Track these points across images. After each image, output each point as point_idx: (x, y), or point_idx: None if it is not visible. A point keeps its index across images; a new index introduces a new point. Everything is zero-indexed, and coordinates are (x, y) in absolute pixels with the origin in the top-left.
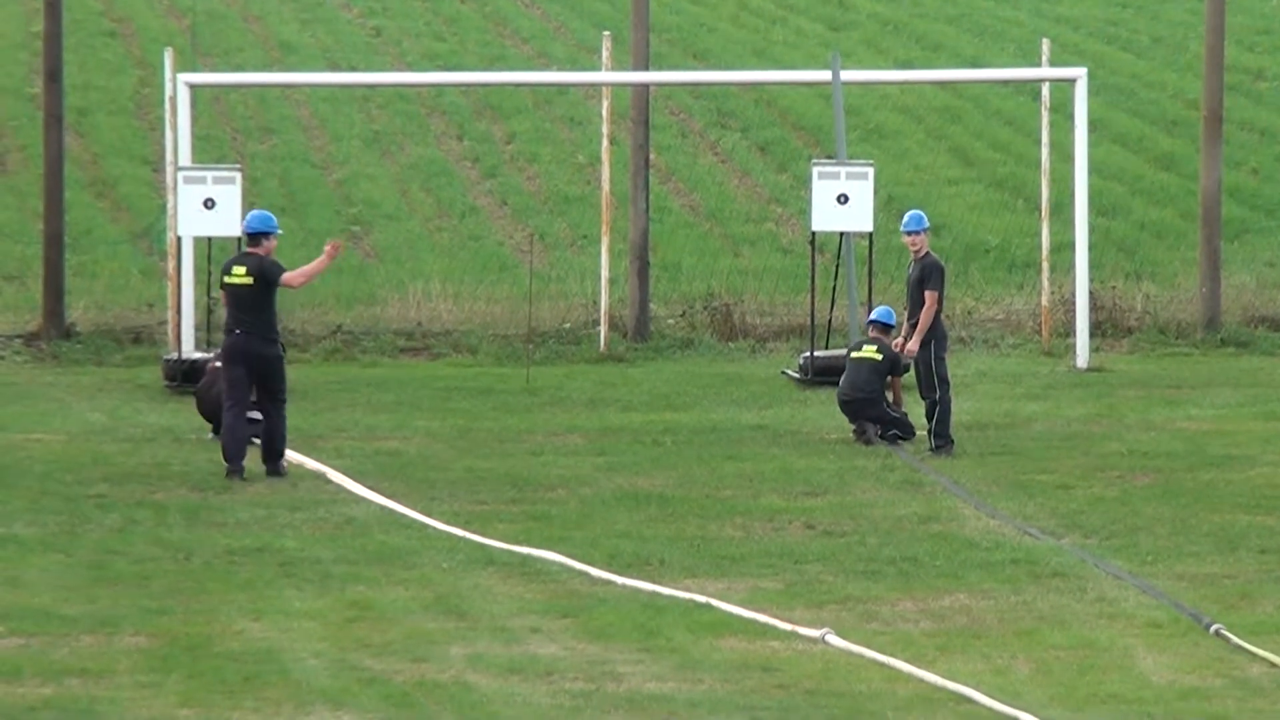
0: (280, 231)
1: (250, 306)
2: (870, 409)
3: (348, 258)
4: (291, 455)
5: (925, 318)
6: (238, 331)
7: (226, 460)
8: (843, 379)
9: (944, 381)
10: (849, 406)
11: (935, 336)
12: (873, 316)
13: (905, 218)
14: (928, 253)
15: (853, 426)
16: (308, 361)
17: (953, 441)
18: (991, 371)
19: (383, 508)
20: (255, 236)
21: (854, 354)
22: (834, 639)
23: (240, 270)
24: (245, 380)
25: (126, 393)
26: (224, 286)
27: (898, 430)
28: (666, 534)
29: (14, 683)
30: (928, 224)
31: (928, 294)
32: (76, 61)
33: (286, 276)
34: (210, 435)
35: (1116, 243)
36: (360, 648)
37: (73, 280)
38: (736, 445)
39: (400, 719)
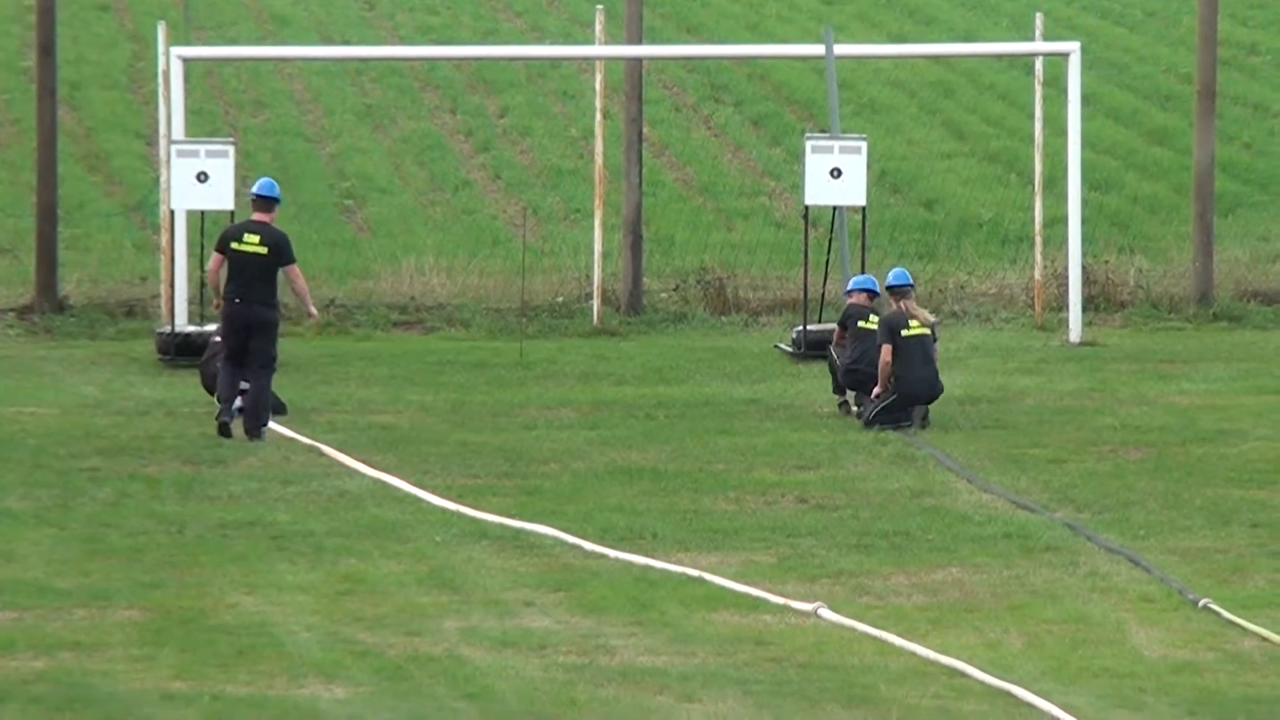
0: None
1: (258, 276)
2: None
3: (341, 231)
4: (286, 432)
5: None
6: (237, 301)
7: (219, 400)
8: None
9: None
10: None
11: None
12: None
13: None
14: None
15: (840, 399)
16: (300, 335)
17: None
18: (984, 345)
19: (376, 481)
20: (270, 201)
21: (904, 332)
22: (826, 613)
23: (254, 239)
24: (245, 347)
25: (119, 366)
26: (232, 252)
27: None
28: (659, 508)
29: (7, 656)
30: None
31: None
32: (69, 35)
33: (295, 271)
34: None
35: (1109, 217)
36: (353, 621)
37: (65, 253)
38: (729, 419)
39: (393, 692)
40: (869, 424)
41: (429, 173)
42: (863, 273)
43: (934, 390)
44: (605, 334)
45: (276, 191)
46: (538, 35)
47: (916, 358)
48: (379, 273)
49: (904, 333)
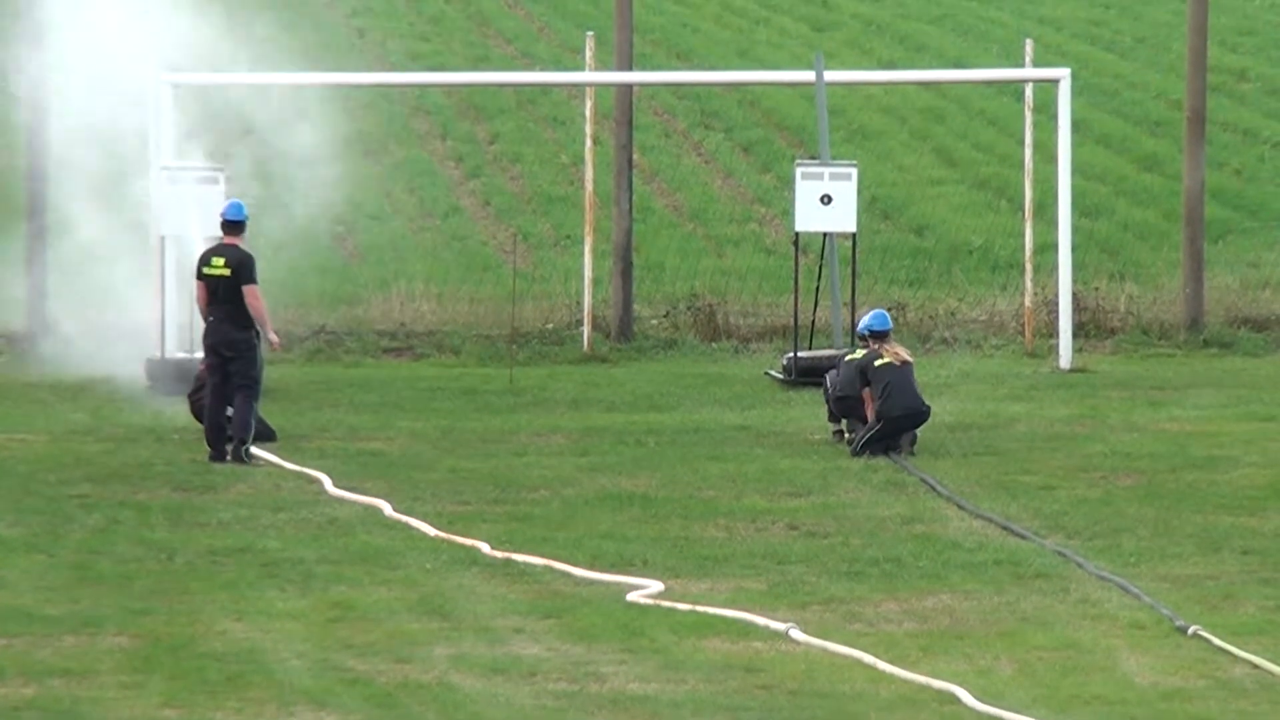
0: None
1: (225, 297)
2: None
3: (331, 258)
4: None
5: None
6: (212, 319)
7: (209, 445)
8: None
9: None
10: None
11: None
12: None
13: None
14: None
15: (834, 427)
16: (291, 362)
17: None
18: (975, 372)
19: (366, 507)
20: (235, 225)
21: (876, 363)
22: (798, 634)
23: (220, 261)
24: (225, 370)
25: (109, 392)
26: (202, 277)
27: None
28: (650, 534)
29: None
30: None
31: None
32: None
33: (253, 291)
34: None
35: (1099, 243)
36: (343, 648)
37: (54, 279)
38: (720, 446)
39: (383, 719)
40: (857, 453)
41: (419, 199)
42: (854, 301)
43: (918, 413)
44: (596, 360)
45: (243, 214)
46: (528, 62)
47: (892, 385)
48: (369, 299)
49: (876, 363)
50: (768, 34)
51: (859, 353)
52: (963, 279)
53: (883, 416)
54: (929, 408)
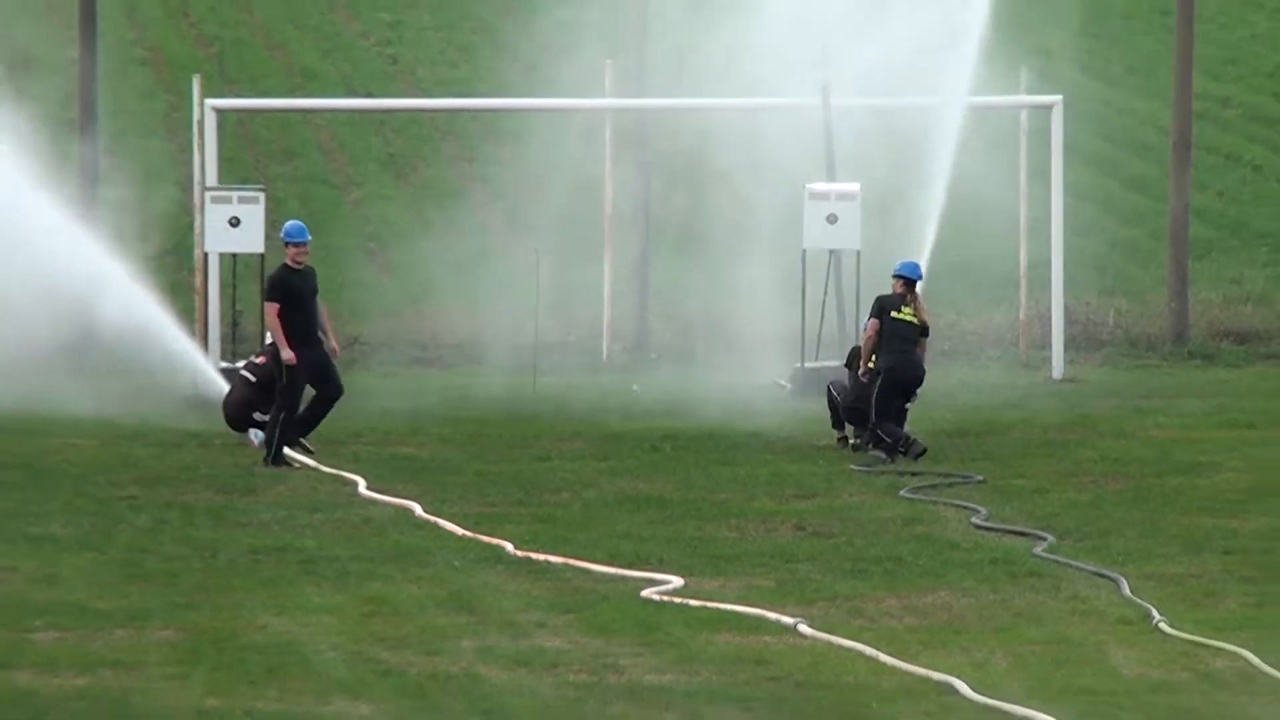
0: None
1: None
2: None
3: (364, 273)
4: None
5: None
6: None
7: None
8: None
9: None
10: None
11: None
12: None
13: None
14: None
15: (839, 433)
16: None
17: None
18: (972, 382)
19: (399, 508)
20: (285, 245)
21: (893, 314)
22: (805, 628)
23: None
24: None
25: (156, 399)
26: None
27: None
28: (665, 535)
29: (50, 674)
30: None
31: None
32: (110, 87)
33: (267, 309)
34: (258, 440)
35: (1090, 260)
36: (376, 641)
37: None
38: (731, 451)
39: (414, 709)
40: (865, 444)
41: (448, 218)
42: (859, 314)
43: (916, 370)
44: (614, 369)
45: (284, 234)
46: (552, 88)
47: (897, 339)
48: (400, 312)
49: (894, 314)
50: (774, 67)
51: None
52: (961, 294)
53: (882, 365)
54: (924, 373)
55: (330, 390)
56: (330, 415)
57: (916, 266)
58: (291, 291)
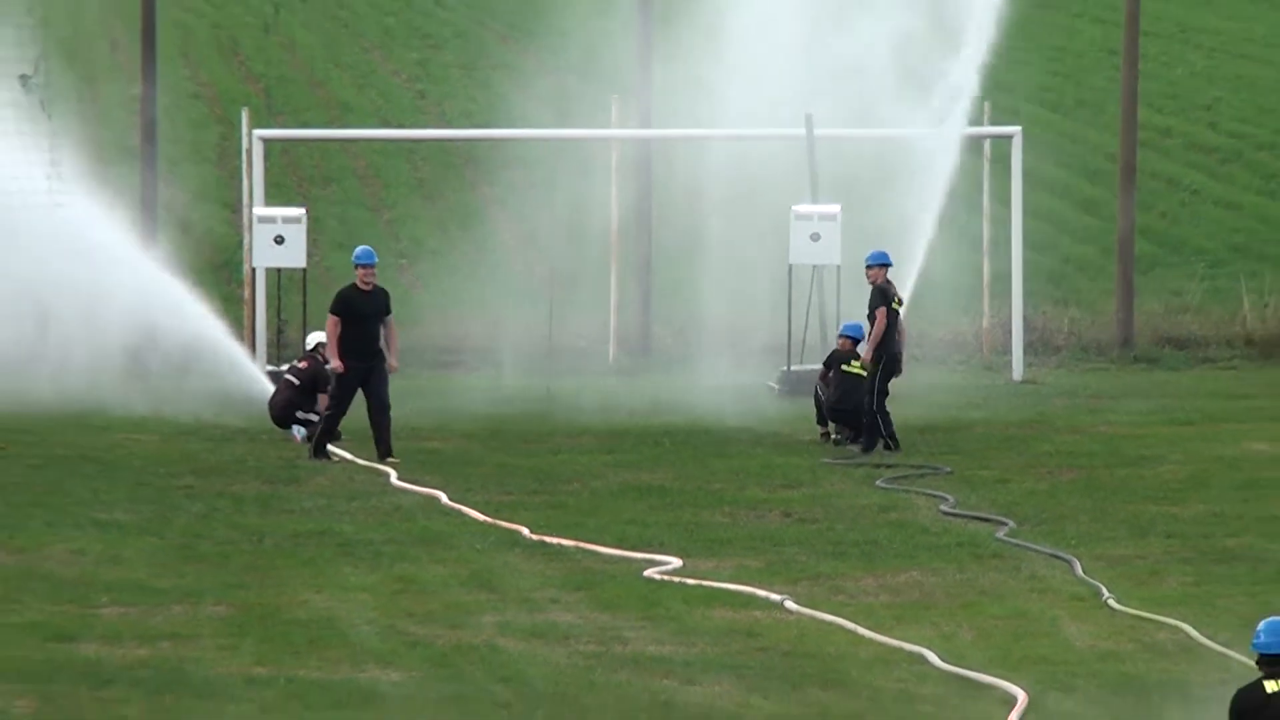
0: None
1: None
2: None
3: (395, 286)
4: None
5: (873, 335)
6: None
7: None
8: (836, 389)
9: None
10: (840, 414)
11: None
12: (848, 331)
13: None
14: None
15: (821, 429)
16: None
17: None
18: (940, 384)
19: (426, 497)
20: (355, 266)
21: (844, 367)
22: (791, 604)
23: None
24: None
25: (209, 399)
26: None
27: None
28: (665, 520)
29: (115, 645)
30: (888, 259)
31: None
32: (168, 119)
33: (329, 320)
34: (300, 435)
35: (1046, 274)
36: (405, 616)
37: None
38: (725, 445)
39: (439, 676)
40: (845, 440)
41: (470, 236)
42: (838, 323)
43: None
44: (620, 373)
45: (354, 257)
46: (564, 119)
47: (894, 328)
48: (427, 321)
49: (894, 305)
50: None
51: (857, 363)
52: (931, 305)
53: (889, 351)
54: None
55: (372, 402)
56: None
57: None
58: (353, 309)
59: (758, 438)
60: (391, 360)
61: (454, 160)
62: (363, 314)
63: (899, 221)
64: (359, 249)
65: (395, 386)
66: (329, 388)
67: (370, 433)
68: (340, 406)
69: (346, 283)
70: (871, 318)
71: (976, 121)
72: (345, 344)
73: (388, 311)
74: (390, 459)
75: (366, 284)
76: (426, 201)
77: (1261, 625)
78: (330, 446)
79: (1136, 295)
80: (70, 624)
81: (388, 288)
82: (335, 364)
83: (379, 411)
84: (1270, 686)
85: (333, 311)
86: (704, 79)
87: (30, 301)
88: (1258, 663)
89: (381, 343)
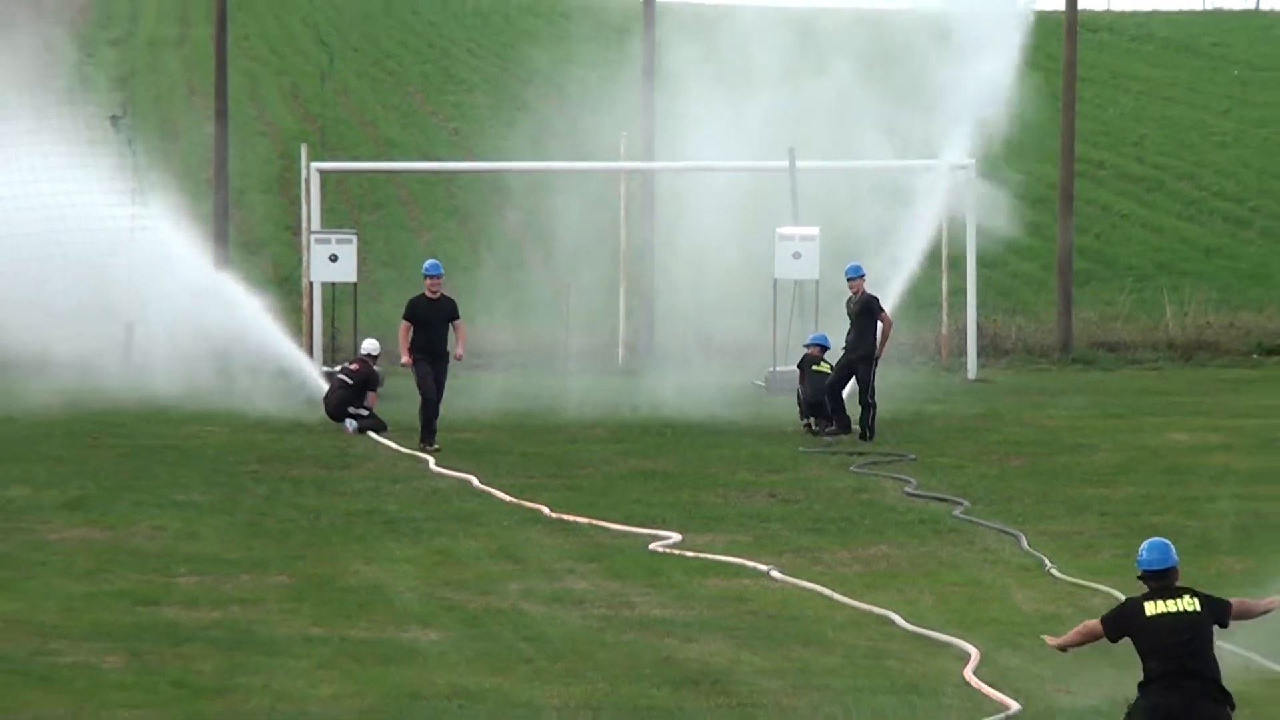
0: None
1: None
2: (824, 409)
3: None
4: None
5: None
6: None
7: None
8: (808, 386)
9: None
10: (816, 407)
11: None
12: (817, 340)
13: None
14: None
15: (803, 421)
16: (404, 375)
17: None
18: (905, 382)
19: (460, 480)
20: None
21: (814, 368)
22: (776, 574)
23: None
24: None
25: (271, 395)
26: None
27: (838, 426)
28: (667, 500)
29: (192, 609)
30: (864, 271)
31: (883, 321)
32: (238, 154)
33: (402, 327)
34: (351, 428)
35: (996, 288)
36: (442, 584)
37: None
38: (718, 436)
39: (472, 635)
40: (823, 429)
41: (498, 255)
42: (816, 330)
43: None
44: (627, 373)
45: (423, 269)
46: (580, 153)
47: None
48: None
49: (814, 368)
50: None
51: (825, 364)
52: (896, 315)
53: (875, 353)
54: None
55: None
56: (407, 409)
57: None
58: (419, 315)
59: (746, 429)
60: (459, 349)
61: (484, 189)
62: (428, 319)
63: (881, 242)
64: (428, 262)
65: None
66: (379, 388)
67: (418, 424)
68: (425, 393)
69: (415, 292)
70: (856, 321)
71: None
72: (415, 345)
73: (455, 316)
74: (430, 447)
75: (434, 293)
76: (460, 225)
77: (1144, 545)
78: (375, 436)
79: (1074, 305)
80: (153, 591)
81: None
82: (405, 359)
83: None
84: (1149, 609)
85: (404, 318)
86: (700, 118)
87: (118, 313)
88: (1140, 578)
89: (450, 343)
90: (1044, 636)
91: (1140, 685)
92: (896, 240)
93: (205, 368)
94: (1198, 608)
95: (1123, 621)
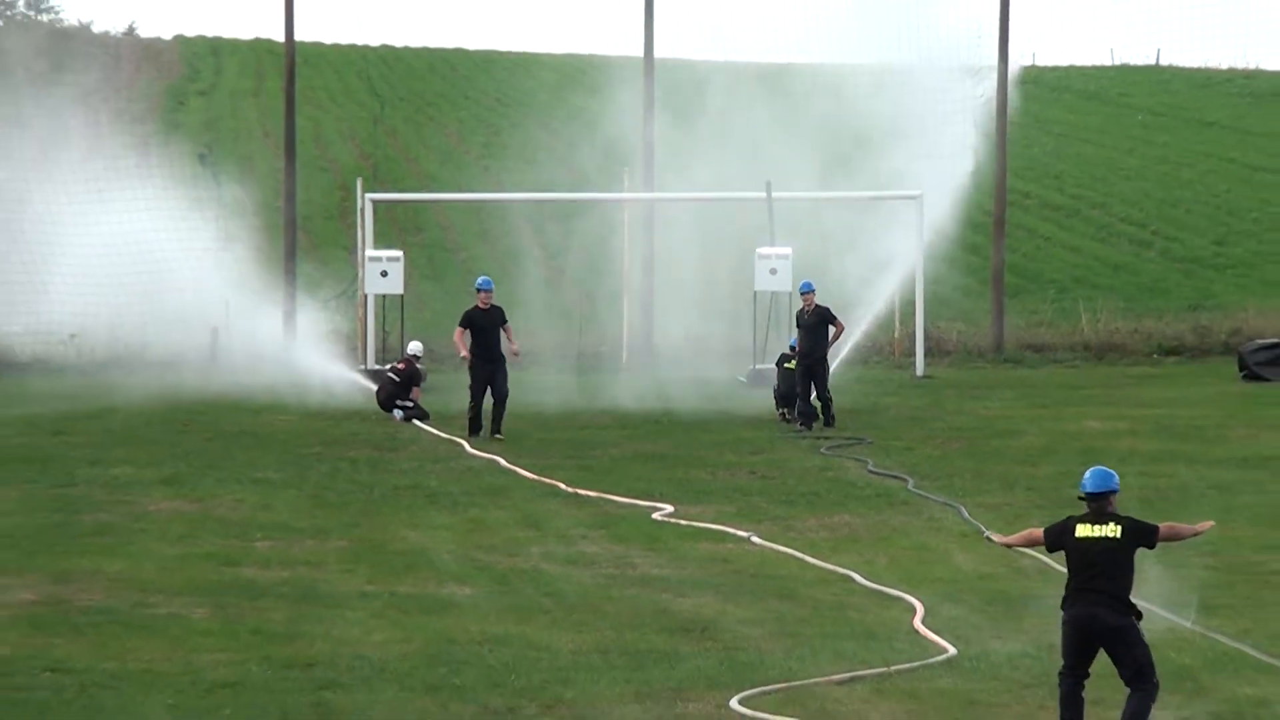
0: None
1: None
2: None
3: (466, 305)
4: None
5: (842, 338)
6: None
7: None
8: (780, 381)
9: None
10: (787, 399)
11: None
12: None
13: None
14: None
15: (778, 411)
16: (444, 372)
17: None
18: (862, 378)
19: (489, 460)
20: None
21: (785, 365)
22: (756, 539)
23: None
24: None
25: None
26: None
27: (803, 417)
28: (664, 477)
29: (266, 568)
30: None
31: (836, 325)
32: (303, 186)
33: (458, 332)
34: (399, 416)
35: (941, 299)
36: (476, 548)
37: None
38: (707, 423)
39: (500, 591)
40: (794, 419)
41: (522, 269)
42: (788, 334)
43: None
44: (630, 371)
45: (476, 284)
46: (588, 185)
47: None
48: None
49: (785, 366)
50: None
51: (791, 363)
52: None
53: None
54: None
55: (495, 393)
56: (445, 400)
57: (810, 283)
58: (474, 323)
59: (731, 418)
60: (513, 346)
61: (509, 215)
62: (482, 326)
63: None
64: (480, 278)
65: (458, 380)
66: (422, 383)
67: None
68: (477, 398)
69: (469, 304)
70: (812, 330)
71: (889, 186)
72: (474, 350)
73: (504, 321)
74: (498, 435)
75: (485, 304)
76: (488, 246)
77: (1088, 471)
78: (419, 423)
79: (1005, 314)
80: (234, 553)
81: (459, 308)
82: (464, 354)
83: (498, 403)
84: (1080, 530)
85: (460, 325)
86: (694, 153)
87: (205, 321)
88: (1080, 498)
89: (503, 346)
90: (991, 535)
91: (1062, 600)
92: (866, 276)
93: (276, 367)
94: (1119, 534)
95: (1057, 535)
